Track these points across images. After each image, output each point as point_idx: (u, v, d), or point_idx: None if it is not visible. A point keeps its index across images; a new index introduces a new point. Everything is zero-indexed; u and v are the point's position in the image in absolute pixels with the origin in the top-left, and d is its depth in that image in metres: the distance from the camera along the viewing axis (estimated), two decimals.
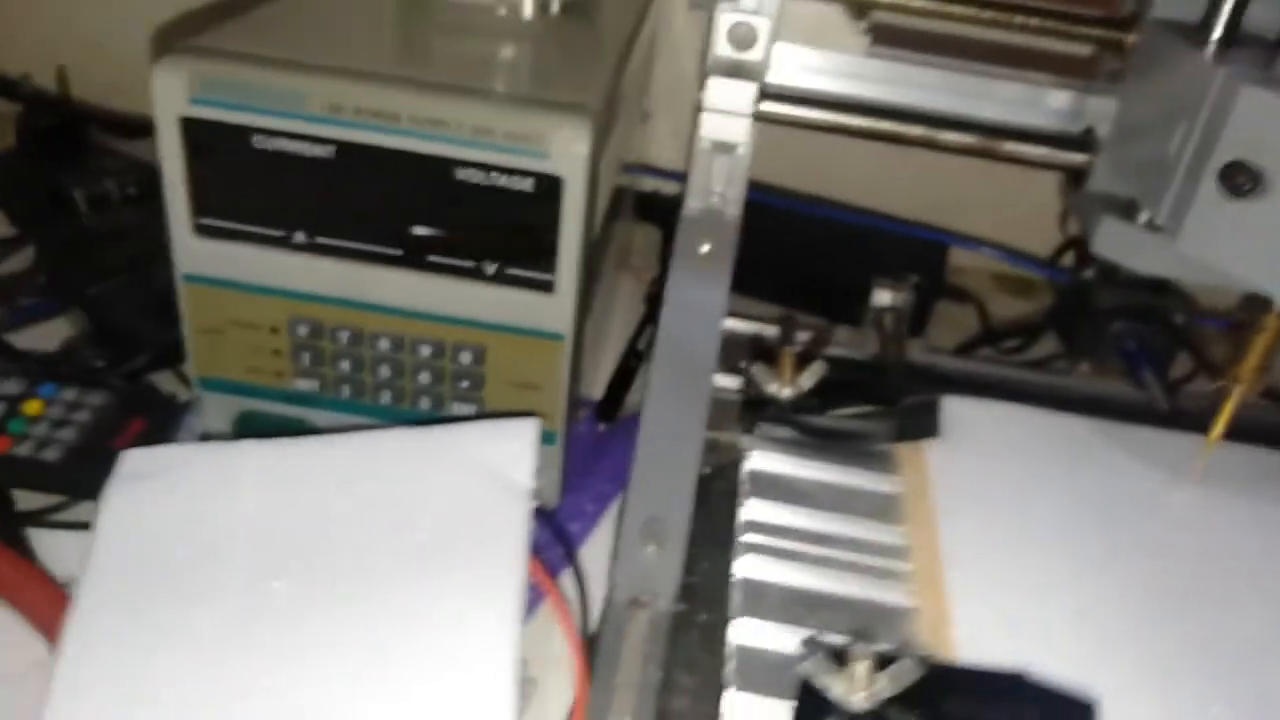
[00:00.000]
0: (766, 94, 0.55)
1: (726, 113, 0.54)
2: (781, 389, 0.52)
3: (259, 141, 0.52)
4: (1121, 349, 0.79)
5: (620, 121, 0.62)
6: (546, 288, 0.57)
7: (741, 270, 0.92)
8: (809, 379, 0.52)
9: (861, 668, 0.35)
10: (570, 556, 0.57)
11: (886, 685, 0.36)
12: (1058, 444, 0.51)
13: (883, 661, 0.36)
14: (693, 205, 0.63)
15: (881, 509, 0.48)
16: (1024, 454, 0.51)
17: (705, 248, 0.61)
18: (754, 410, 0.53)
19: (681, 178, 0.97)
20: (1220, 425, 0.49)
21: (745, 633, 0.42)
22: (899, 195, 0.98)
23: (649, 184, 0.96)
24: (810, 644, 0.39)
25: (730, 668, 0.40)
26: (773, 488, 0.49)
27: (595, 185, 0.57)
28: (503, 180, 0.54)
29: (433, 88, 0.53)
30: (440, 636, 0.44)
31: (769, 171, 0.98)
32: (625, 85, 0.61)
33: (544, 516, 0.59)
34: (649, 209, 0.95)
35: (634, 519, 0.58)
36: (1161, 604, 0.43)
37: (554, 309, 0.57)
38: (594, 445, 0.68)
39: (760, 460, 0.51)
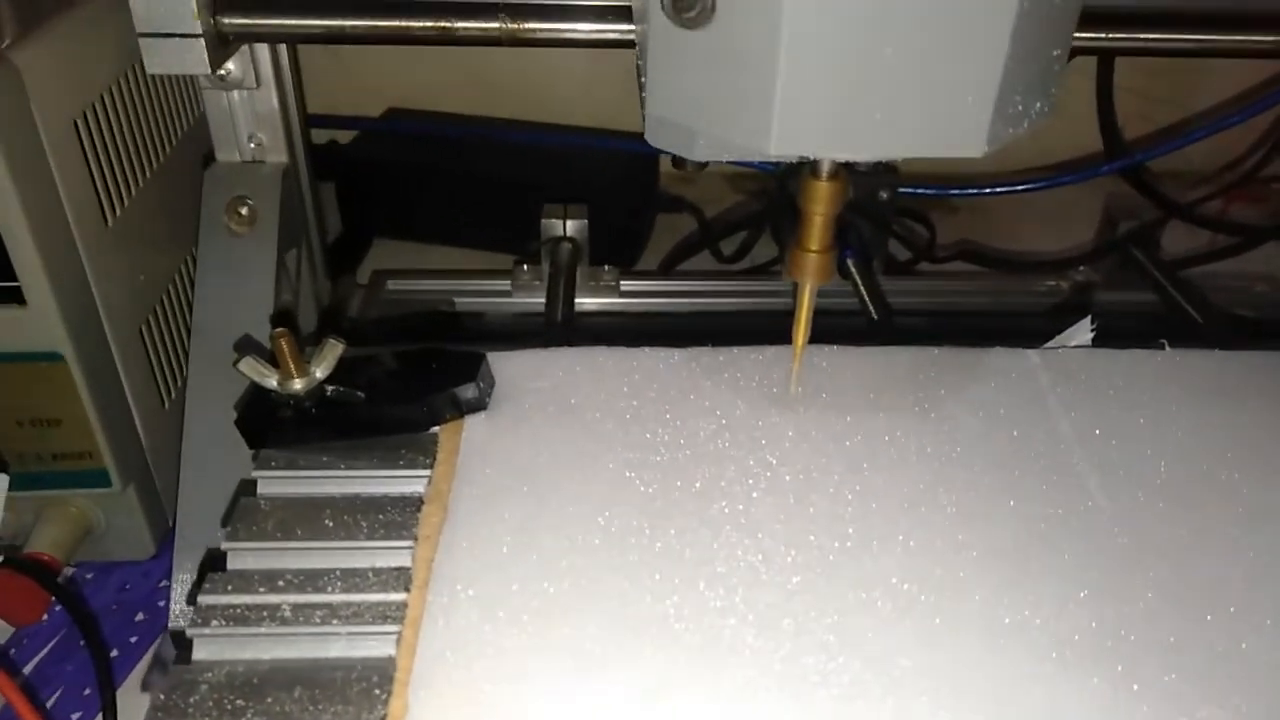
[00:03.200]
0: (229, 3, 0.40)
1: (165, 35, 0.39)
2: (287, 383, 0.38)
3: None
4: None
5: (107, 60, 0.46)
6: (14, 299, 0.43)
7: (424, 216, 0.79)
8: (323, 364, 0.39)
9: None
10: (95, 649, 0.43)
11: None
12: (631, 391, 0.38)
13: None
14: (221, 158, 0.48)
15: (397, 521, 0.35)
16: (582, 414, 0.38)
17: (244, 209, 0.46)
18: (262, 416, 0.39)
19: (354, 123, 0.83)
20: (801, 332, 0.37)
21: None
22: (611, 108, 0.84)
23: (324, 134, 0.81)
24: None
25: None
26: (267, 519, 0.36)
27: (69, 155, 0.43)
28: None
29: None
30: None
31: (463, 98, 0.85)
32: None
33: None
34: (325, 162, 0.80)
35: (186, 561, 0.45)
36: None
37: (34, 324, 0.43)
38: None
39: (264, 485, 0.38)
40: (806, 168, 0.34)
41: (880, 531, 0.33)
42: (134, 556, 0.51)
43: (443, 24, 0.41)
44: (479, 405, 0.39)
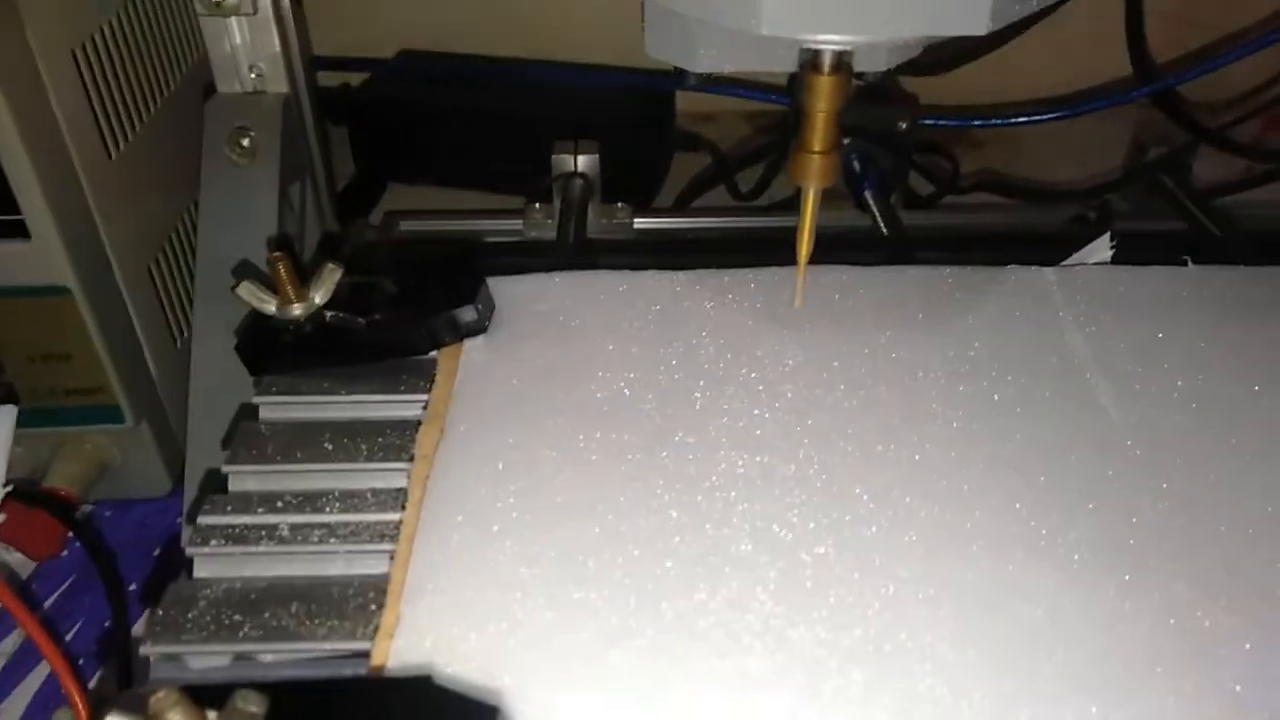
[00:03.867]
0: None
1: None
2: (286, 308, 0.38)
3: None
4: (846, 171, 0.66)
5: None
6: (18, 232, 0.43)
7: (438, 159, 0.79)
8: (321, 289, 0.38)
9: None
10: (109, 581, 0.43)
11: None
12: (632, 312, 0.38)
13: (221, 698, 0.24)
14: (222, 89, 0.48)
15: (395, 444, 0.35)
16: (582, 335, 0.37)
17: (245, 140, 0.46)
18: (262, 343, 0.39)
19: (366, 65, 0.82)
20: (805, 240, 0.36)
21: (160, 667, 0.29)
22: (628, 44, 0.82)
23: (337, 77, 0.81)
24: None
25: None
26: (267, 443, 0.36)
27: (68, 87, 0.43)
28: None
29: None
30: None
31: (480, 38, 0.84)
32: None
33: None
34: (338, 105, 0.80)
35: (196, 491, 0.45)
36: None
37: (38, 258, 0.43)
38: None
39: (265, 410, 0.37)
40: (807, 63, 0.32)
41: (883, 445, 0.33)
42: (151, 493, 0.52)
43: None
44: (479, 328, 0.38)
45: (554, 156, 0.64)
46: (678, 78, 0.66)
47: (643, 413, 0.34)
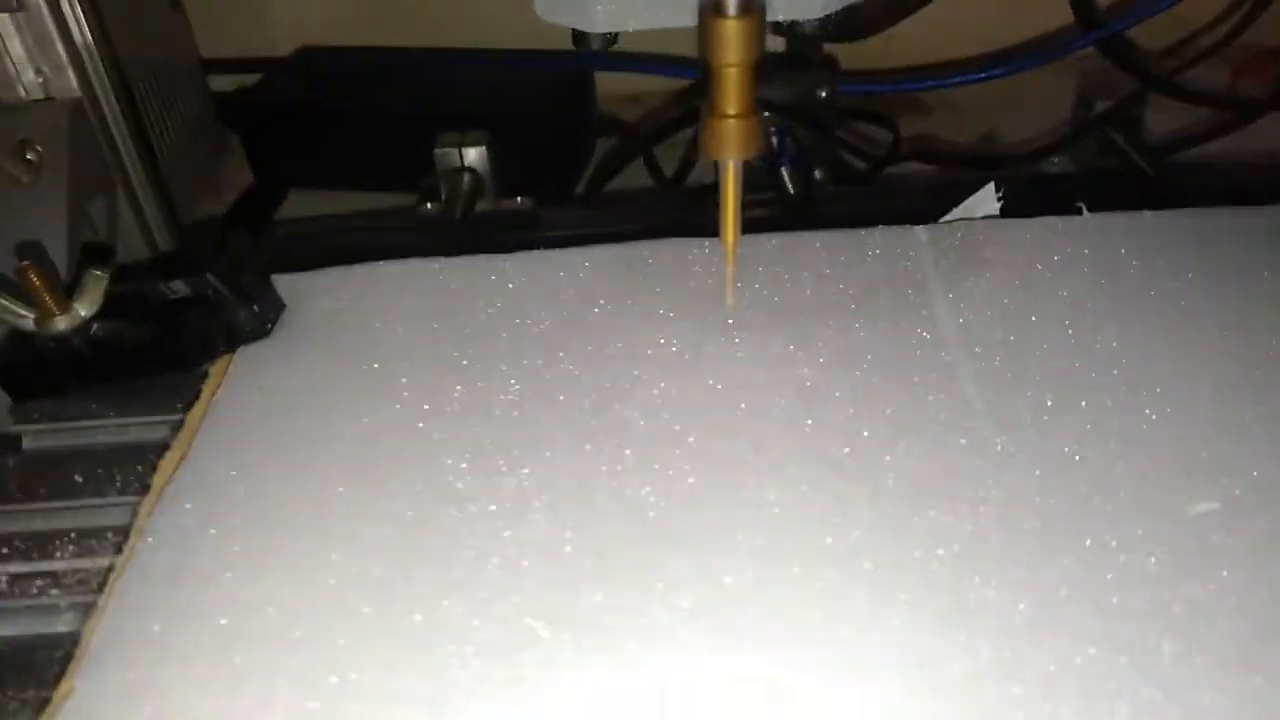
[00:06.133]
0: None
1: None
2: (47, 322, 0.35)
3: None
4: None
5: None
6: None
7: (339, 162, 0.75)
8: (86, 299, 0.35)
9: None
10: None
11: None
12: (429, 308, 0.34)
13: None
14: (2, 96, 0.44)
15: (146, 474, 0.31)
16: (368, 340, 0.33)
17: (30, 154, 0.43)
18: (23, 363, 0.35)
19: (259, 66, 0.79)
20: (730, 226, 0.30)
21: None
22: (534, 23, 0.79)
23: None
24: None
25: None
26: (12, 479, 0.32)
27: None
28: None
29: None
30: None
31: (383, 31, 0.80)
32: None
33: None
34: (229, 111, 0.77)
35: None
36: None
37: None
38: None
39: (28, 439, 0.34)
40: (708, 7, 0.28)
41: (696, 479, 0.28)
42: None
43: None
44: (259, 333, 0.34)
45: (436, 151, 0.60)
46: (582, 48, 0.61)
47: (405, 438, 0.30)
